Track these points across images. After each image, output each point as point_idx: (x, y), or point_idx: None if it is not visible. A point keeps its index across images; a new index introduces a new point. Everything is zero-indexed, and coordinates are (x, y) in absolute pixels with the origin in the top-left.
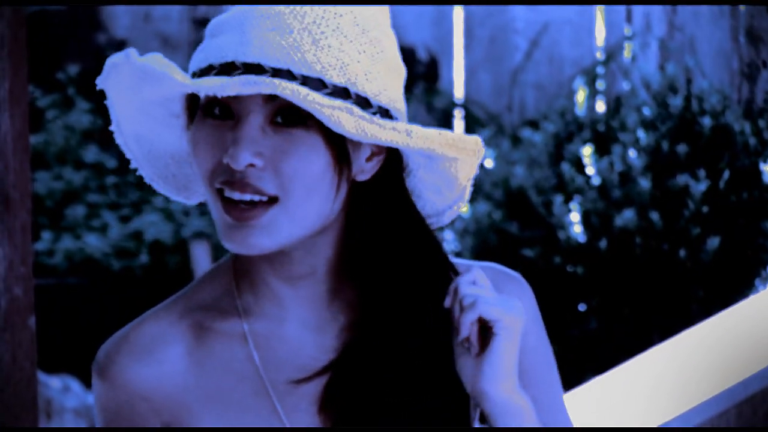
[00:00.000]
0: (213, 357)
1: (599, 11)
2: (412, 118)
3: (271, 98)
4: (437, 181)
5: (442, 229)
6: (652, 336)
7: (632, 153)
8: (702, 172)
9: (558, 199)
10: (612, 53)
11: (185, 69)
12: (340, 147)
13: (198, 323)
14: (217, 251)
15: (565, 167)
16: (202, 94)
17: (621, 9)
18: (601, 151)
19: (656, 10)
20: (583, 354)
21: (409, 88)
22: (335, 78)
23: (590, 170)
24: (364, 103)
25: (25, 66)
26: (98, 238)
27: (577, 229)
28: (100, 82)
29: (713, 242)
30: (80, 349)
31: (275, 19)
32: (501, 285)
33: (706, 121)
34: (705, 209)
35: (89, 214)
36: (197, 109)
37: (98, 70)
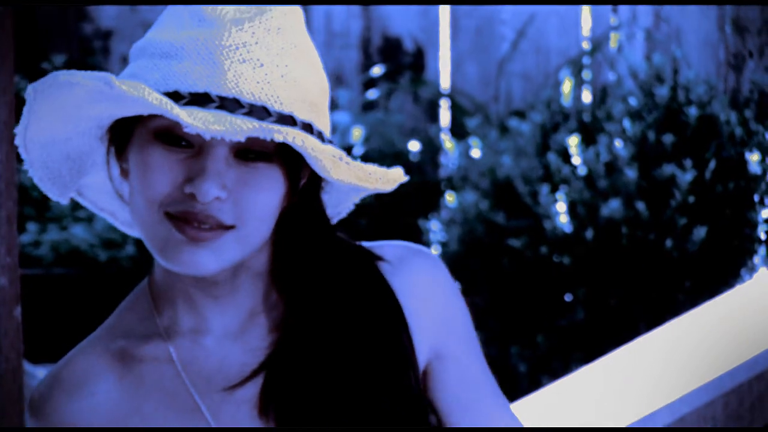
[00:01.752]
0: (143, 381)
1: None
2: (400, 108)
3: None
4: (351, 191)
5: (427, 218)
6: (639, 326)
7: (618, 143)
8: (688, 162)
9: (544, 189)
10: (598, 44)
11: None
12: (295, 179)
13: (123, 351)
14: None
15: (552, 157)
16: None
17: None
18: (588, 141)
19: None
20: (569, 344)
21: (395, 79)
22: (302, 115)
23: (576, 160)
24: (321, 138)
25: (11, 56)
26: (84, 229)
27: (563, 219)
28: (41, 90)
29: (700, 232)
30: (66, 339)
31: (245, 50)
32: (408, 261)
33: (693, 111)
34: (691, 199)
35: (75, 206)
36: (131, 126)
37: (84, 60)
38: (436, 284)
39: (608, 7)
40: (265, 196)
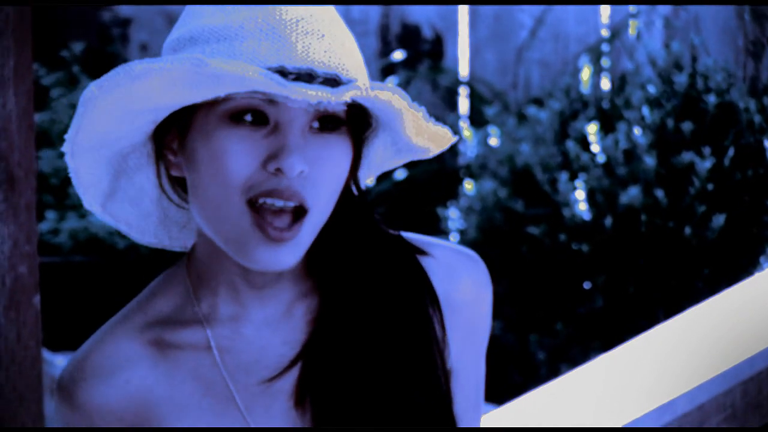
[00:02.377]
0: (179, 368)
1: None
2: (417, 96)
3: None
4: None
5: (446, 206)
6: (658, 314)
7: (637, 130)
8: (707, 150)
9: (563, 176)
10: (617, 31)
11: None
12: (358, 152)
13: (159, 338)
14: None
15: (570, 145)
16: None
17: None
18: (606, 128)
19: None
20: (588, 332)
21: (414, 66)
22: (364, 81)
23: (595, 148)
24: None
25: (29, 44)
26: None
27: (582, 207)
28: (107, 86)
29: (718, 220)
30: (85, 327)
31: (305, 22)
32: (457, 271)
33: (711, 99)
34: (710, 187)
35: None
36: (190, 115)
37: (103, 48)
38: (478, 304)
39: None
40: (338, 170)
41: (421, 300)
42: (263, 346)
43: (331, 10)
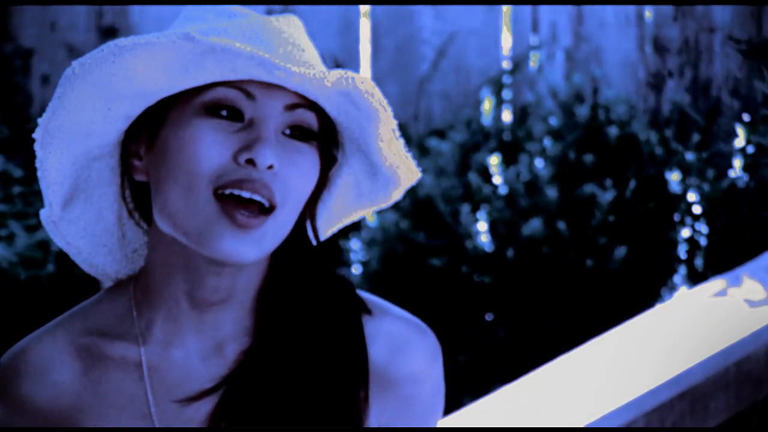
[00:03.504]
0: (107, 379)
1: (506, 21)
2: None
3: (290, 107)
4: (367, 167)
5: (348, 237)
6: (560, 345)
7: (539, 162)
8: (609, 182)
9: (465, 208)
10: (518, 63)
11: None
12: (326, 170)
13: (93, 346)
14: None
15: (472, 177)
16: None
17: (527, 19)
18: (508, 160)
19: (562, 20)
20: (490, 363)
21: None
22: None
23: (497, 179)
24: None
25: None
26: (4, 248)
27: (484, 239)
28: (90, 63)
29: (620, 251)
30: None
31: (288, 35)
32: (403, 339)
33: (613, 131)
34: (612, 218)
35: None
36: (164, 111)
37: (6, 79)
38: (421, 382)
39: (528, 27)
40: (306, 179)
41: (350, 359)
42: (189, 372)
43: (307, 38)
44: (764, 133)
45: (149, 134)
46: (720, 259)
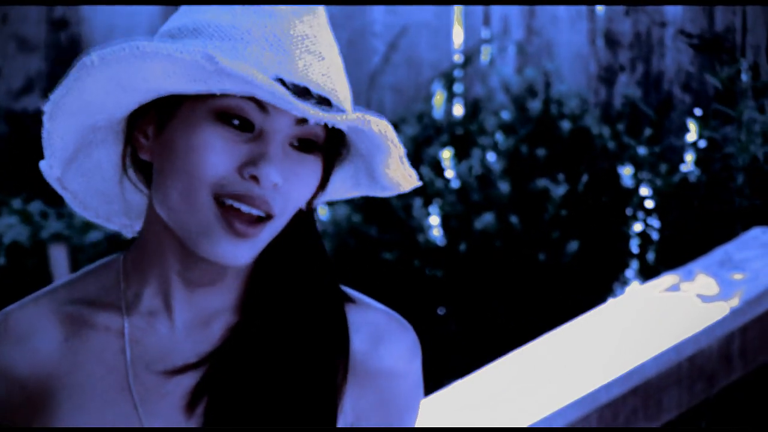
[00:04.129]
0: (87, 348)
1: (457, 14)
2: None
3: (302, 121)
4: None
5: None
6: (513, 339)
7: (491, 156)
8: (561, 176)
9: (417, 202)
10: (470, 56)
11: (46, 71)
12: (328, 176)
13: (77, 315)
14: (75, 254)
15: (425, 170)
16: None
17: (479, 12)
18: (461, 154)
19: (514, 14)
20: (442, 358)
21: None
22: (346, 105)
23: (449, 173)
24: None
25: None
26: None
27: (436, 233)
28: (109, 60)
29: (572, 246)
30: None
31: (309, 41)
32: (383, 331)
33: (565, 125)
34: (564, 213)
35: None
36: (178, 101)
37: None
38: (398, 377)
39: (480, 20)
40: (307, 189)
41: (332, 342)
42: (172, 346)
43: (330, 33)
44: (716, 127)
45: (158, 120)
46: (672, 253)
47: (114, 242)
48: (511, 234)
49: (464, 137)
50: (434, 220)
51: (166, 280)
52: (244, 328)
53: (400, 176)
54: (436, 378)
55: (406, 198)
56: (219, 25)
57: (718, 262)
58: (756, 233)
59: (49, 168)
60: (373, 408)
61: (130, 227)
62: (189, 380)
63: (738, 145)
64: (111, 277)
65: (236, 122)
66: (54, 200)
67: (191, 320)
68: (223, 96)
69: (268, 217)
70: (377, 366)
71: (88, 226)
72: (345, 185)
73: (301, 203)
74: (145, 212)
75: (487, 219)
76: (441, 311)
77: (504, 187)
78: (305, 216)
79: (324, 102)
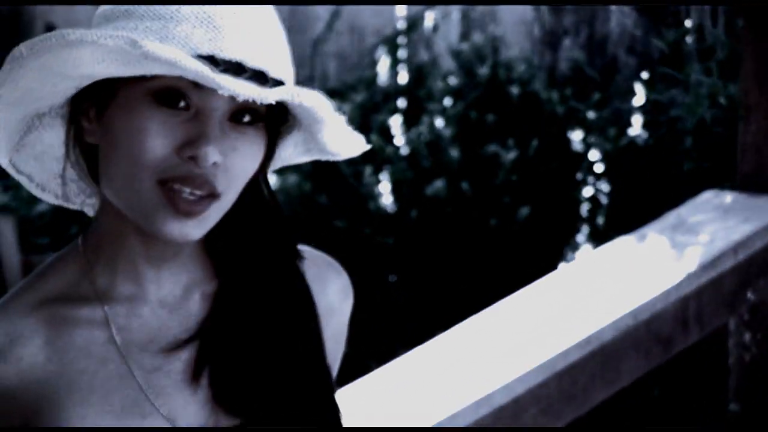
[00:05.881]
0: (72, 344)
1: None
2: None
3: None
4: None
5: None
6: (465, 306)
7: (440, 122)
8: (511, 141)
9: (368, 169)
10: (413, 23)
11: None
12: (272, 147)
13: (53, 314)
14: (22, 225)
15: (374, 137)
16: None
17: None
18: (409, 121)
19: None
20: (394, 326)
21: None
22: (289, 80)
23: (399, 140)
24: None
25: None
26: None
27: (386, 200)
28: (38, 49)
29: (523, 211)
30: None
31: (241, 15)
32: (325, 273)
33: (514, 90)
34: (515, 178)
35: None
36: (115, 84)
37: None
38: (341, 312)
39: None
40: (250, 163)
41: (304, 293)
42: (159, 327)
43: (269, 8)
44: (662, 90)
45: (98, 104)
46: (621, 218)
47: (60, 214)
48: (462, 200)
49: (412, 103)
50: (385, 187)
51: (133, 263)
52: (223, 294)
53: (347, 142)
54: (388, 346)
55: (356, 165)
56: (150, 6)
57: (672, 225)
58: (708, 196)
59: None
60: (329, 344)
61: (92, 205)
62: (186, 354)
63: (685, 107)
64: (75, 272)
65: (172, 102)
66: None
67: (167, 297)
68: (157, 77)
69: (213, 196)
70: (328, 304)
71: (34, 198)
72: (296, 151)
73: (248, 176)
74: (99, 202)
75: (437, 185)
76: (392, 278)
77: (454, 153)
78: (257, 180)
79: (259, 75)
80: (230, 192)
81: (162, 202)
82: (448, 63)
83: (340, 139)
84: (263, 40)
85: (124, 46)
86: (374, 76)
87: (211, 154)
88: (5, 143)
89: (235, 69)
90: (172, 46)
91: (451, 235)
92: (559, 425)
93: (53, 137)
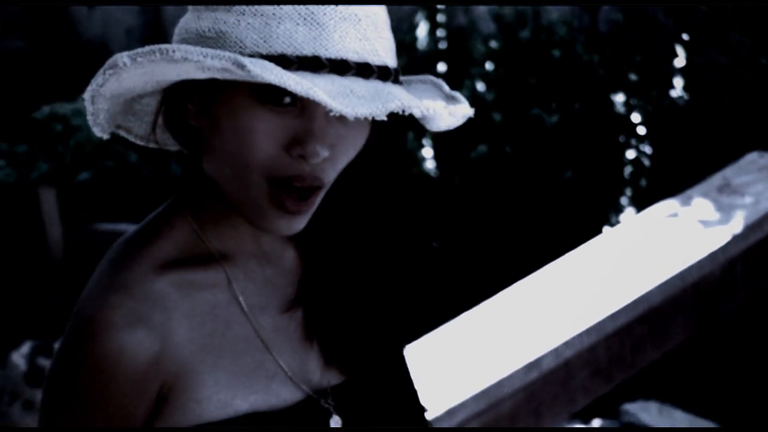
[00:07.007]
0: (199, 307)
1: None
2: None
3: None
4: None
5: None
6: (510, 271)
7: (481, 86)
8: (554, 104)
9: (410, 135)
10: None
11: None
12: (375, 130)
13: (178, 278)
14: (63, 194)
15: None
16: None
17: None
18: (451, 85)
19: None
20: (436, 291)
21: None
22: (392, 62)
23: None
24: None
25: None
26: None
27: (429, 165)
28: (141, 62)
29: (567, 174)
30: None
31: (343, 7)
32: None
33: (556, 53)
34: (557, 141)
35: None
36: (214, 84)
37: None
38: None
39: None
40: (356, 147)
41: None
42: (274, 287)
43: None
44: (702, 53)
45: (202, 97)
46: (664, 179)
47: (103, 181)
48: (505, 163)
49: (452, 67)
50: (427, 152)
51: (245, 228)
52: (327, 257)
53: (456, 120)
54: (433, 312)
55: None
56: (249, 4)
57: (717, 187)
58: (753, 157)
59: (102, 134)
60: None
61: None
62: (298, 315)
63: (725, 69)
64: (185, 234)
65: (277, 99)
66: (41, 143)
67: (271, 258)
68: None
69: (320, 188)
70: None
71: (76, 167)
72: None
73: (350, 158)
74: (208, 177)
75: (480, 149)
76: (435, 244)
77: (496, 116)
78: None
79: (364, 68)
80: (332, 179)
81: (269, 200)
82: (487, 26)
83: (449, 121)
84: (366, 29)
85: (229, 67)
86: (414, 40)
87: (321, 151)
88: (109, 124)
89: (341, 66)
90: (276, 46)
91: (495, 200)
92: (608, 388)
93: (153, 102)
